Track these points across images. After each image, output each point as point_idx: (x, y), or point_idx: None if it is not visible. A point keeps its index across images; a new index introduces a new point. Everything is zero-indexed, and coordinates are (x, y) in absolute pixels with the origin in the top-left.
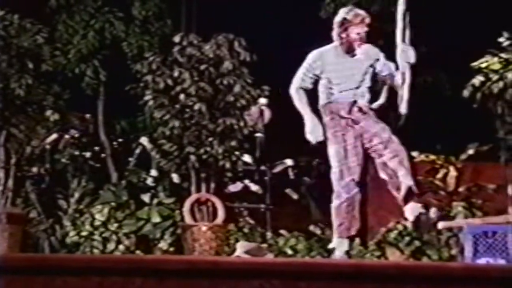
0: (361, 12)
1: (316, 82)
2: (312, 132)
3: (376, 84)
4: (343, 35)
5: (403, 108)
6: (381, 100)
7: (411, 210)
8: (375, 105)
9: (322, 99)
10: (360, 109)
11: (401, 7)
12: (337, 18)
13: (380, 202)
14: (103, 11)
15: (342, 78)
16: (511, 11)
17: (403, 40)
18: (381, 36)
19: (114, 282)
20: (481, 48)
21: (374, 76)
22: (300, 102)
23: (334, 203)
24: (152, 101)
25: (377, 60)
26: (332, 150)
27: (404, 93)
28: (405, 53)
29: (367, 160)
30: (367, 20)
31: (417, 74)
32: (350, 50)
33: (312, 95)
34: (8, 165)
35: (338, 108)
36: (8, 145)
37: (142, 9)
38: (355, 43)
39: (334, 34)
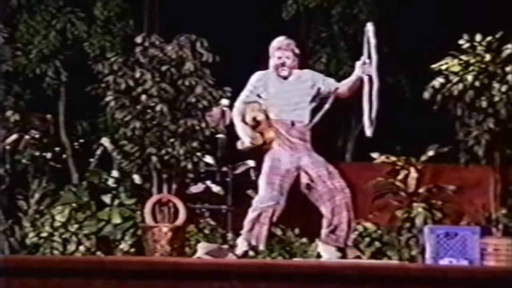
0: (283, 39)
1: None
2: (242, 137)
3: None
4: (271, 62)
5: (366, 118)
6: (320, 114)
7: (327, 252)
8: (315, 120)
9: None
10: (299, 132)
11: (371, 29)
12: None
13: None
14: (64, 11)
15: (279, 100)
16: (471, 13)
17: (368, 55)
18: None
19: (75, 284)
20: (441, 50)
21: (315, 97)
22: (238, 115)
23: (250, 215)
24: (113, 102)
25: (315, 81)
26: (265, 164)
27: (364, 103)
28: (365, 66)
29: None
30: (291, 47)
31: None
32: (280, 75)
33: None
34: None
35: (278, 125)
36: None
37: (104, 9)
38: (279, 68)
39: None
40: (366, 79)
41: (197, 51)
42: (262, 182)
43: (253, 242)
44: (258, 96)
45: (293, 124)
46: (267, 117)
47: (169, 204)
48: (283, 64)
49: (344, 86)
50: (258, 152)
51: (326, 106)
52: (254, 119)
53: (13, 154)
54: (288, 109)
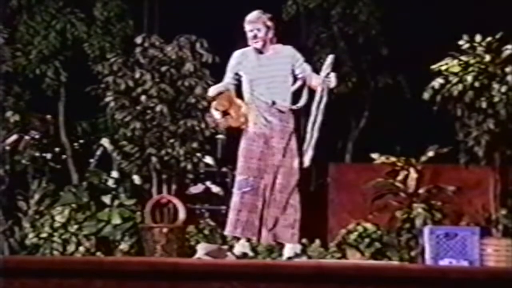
0: (254, 13)
1: (239, 81)
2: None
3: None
4: (247, 35)
5: (314, 129)
6: (302, 101)
7: (289, 249)
8: (297, 105)
9: (245, 98)
10: (279, 112)
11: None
12: None
13: (340, 203)
14: (64, 11)
15: (257, 74)
16: (471, 13)
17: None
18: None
19: (74, 284)
20: (441, 51)
21: (294, 77)
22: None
23: (232, 205)
24: (113, 103)
25: (294, 60)
26: (241, 146)
27: (318, 114)
28: (326, 80)
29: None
30: (261, 19)
31: (378, 76)
32: (257, 50)
33: None
34: None
35: (258, 102)
36: None
37: (103, 10)
38: (252, 41)
39: None
40: (319, 90)
41: (197, 52)
42: (239, 164)
43: (247, 235)
44: (237, 74)
45: (274, 103)
46: (241, 99)
47: (169, 204)
48: (255, 37)
49: (314, 79)
50: (237, 131)
51: (303, 100)
52: (217, 109)
53: (13, 154)
54: (264, 83)
